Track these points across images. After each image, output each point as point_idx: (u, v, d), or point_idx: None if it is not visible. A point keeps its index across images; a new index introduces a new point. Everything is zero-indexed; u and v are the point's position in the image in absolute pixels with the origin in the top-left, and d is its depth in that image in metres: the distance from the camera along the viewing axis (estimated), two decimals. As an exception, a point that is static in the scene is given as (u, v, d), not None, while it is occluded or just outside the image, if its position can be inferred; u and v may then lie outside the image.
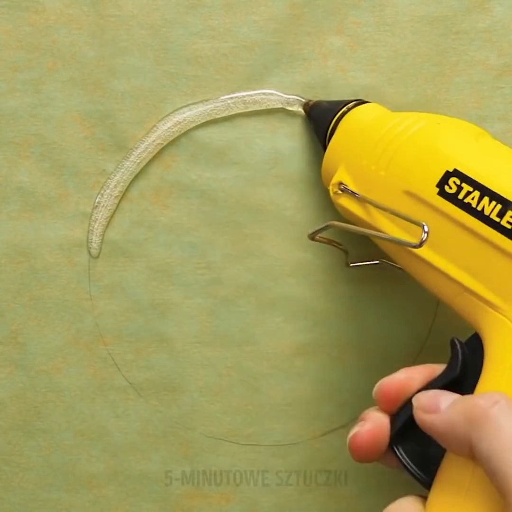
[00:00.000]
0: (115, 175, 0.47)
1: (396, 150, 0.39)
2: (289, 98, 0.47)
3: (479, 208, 0.36)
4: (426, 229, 0.36)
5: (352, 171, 0.41)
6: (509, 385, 0.34)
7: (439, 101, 0.47)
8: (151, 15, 0.47)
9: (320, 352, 0.47)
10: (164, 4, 0.47)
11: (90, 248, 0.47)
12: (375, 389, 0.37)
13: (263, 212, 0.47)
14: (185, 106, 0.47)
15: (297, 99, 0.47)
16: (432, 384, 0.36)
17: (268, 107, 0.47)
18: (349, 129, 0.43)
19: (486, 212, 0.36)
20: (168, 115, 0.47)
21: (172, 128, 0.47)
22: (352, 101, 0.45)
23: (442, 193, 0.37)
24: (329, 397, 0.47)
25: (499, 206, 0.35)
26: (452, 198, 0.37)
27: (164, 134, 0.47)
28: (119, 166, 0.47)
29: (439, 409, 0.33)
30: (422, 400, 0.35)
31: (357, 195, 0.40)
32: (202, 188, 0.47)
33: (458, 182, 0.37)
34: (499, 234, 0.35)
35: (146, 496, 0.47)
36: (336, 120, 0.44)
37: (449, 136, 0.39)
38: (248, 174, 0.47)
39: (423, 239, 0.36)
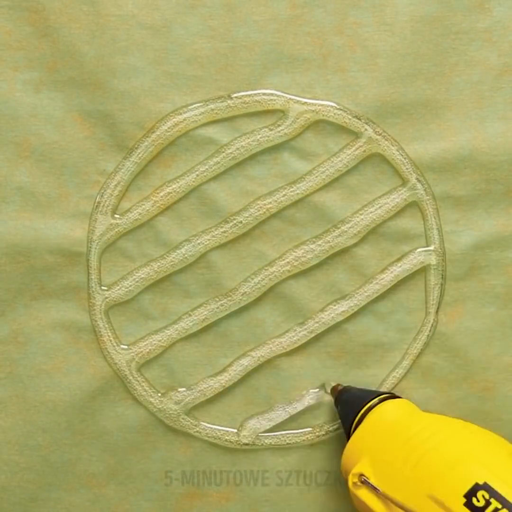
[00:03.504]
0: (115, 175, 0.47)
1: (426, 452, 0.39)
2: (289, 98, 0.47)
3: None
4: None
5: (376, 465, 0.40)
6: None
7: (439, 101, 0.47)
8: (151, 15, 0.47)
9: (320, 352, 0.47)
10: (164, 4, 0.47)
11: (90, 247, 0.47)
12: None
13: (263, 212, 0.47)
14: (185, 106, 0.47)
15: (298, 100, 0.47)
16: None
17: (268, 107, 0.47)
18: (377, 421, 0.42)
19: None
20: (168, 115, 0.47)
21: (172, 128, 0.47)
22: (383, 393, 0.44)
23: (469, 505, 0.36)
24: (329, 397, 0.47)
25: None
26: None
27: (164, 134, 0.47)
28: (119, 166, 0.47)
29: None
30: None
31: (378, 490, 0.39)
32: (202, 188, 0.47)
33: (487, 496, 0.36)
34: None
35: (146, 496, 0.47)
36: (366, 409, 0.43)
37: (482, 446, 0.39)
38: (248, 173, 0.47)
39: None
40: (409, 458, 0.39)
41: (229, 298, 0.47)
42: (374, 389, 0.45)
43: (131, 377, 0.47)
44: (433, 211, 0.47)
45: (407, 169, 0.47)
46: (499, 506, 0.36)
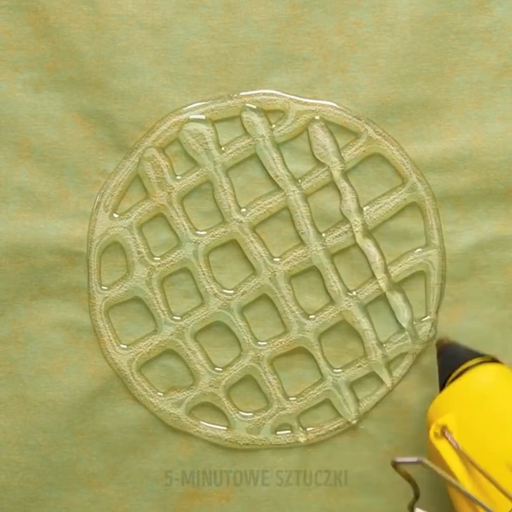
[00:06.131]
0: (115, 175, 0.47)
1: None
2: (289, 98, 0.47)
3: None
4: None
5: (461, 422, 0.40)
6: None
7: (439, 101, 0.47)
8: (151, 15, 0.47)
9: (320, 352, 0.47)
10: (164, 4, 0.47)
11: (90, 247, 0.47)
12: None
13: (264, 212, 0.47)
14: (185, 106, 0.47)
15: (298, 100, 0.47)
16: None
17: (268, 107, 0.47)
18: (472, 382, 0.42)
19: None
20: (168, 115, 0.47)
21: (172, 128, 0.47)
22: (485, 355, 0.43)
23: None
24: (329, 397, 0.47)
25: None
26: None
27: (164, 134, 0.47)
28: (119, 166, 0.47)
29: None
30: None
31: (457, 446, 0.39)
32: (202, 188, 0.47)
33: None
34: None
35: (146, 496, 0.47)
36: (464, 369, 0.43)
37: None
38: (248, 174, 0.47)
39: None
40: (494, 424, 0.39)
41: (229, 298, 0.47)
42: (476, 350, 0.44)
43: (131, 377, 0.47)
44: (433, 211, 0.47)
45: (407, 169, 0.47)
46: None
